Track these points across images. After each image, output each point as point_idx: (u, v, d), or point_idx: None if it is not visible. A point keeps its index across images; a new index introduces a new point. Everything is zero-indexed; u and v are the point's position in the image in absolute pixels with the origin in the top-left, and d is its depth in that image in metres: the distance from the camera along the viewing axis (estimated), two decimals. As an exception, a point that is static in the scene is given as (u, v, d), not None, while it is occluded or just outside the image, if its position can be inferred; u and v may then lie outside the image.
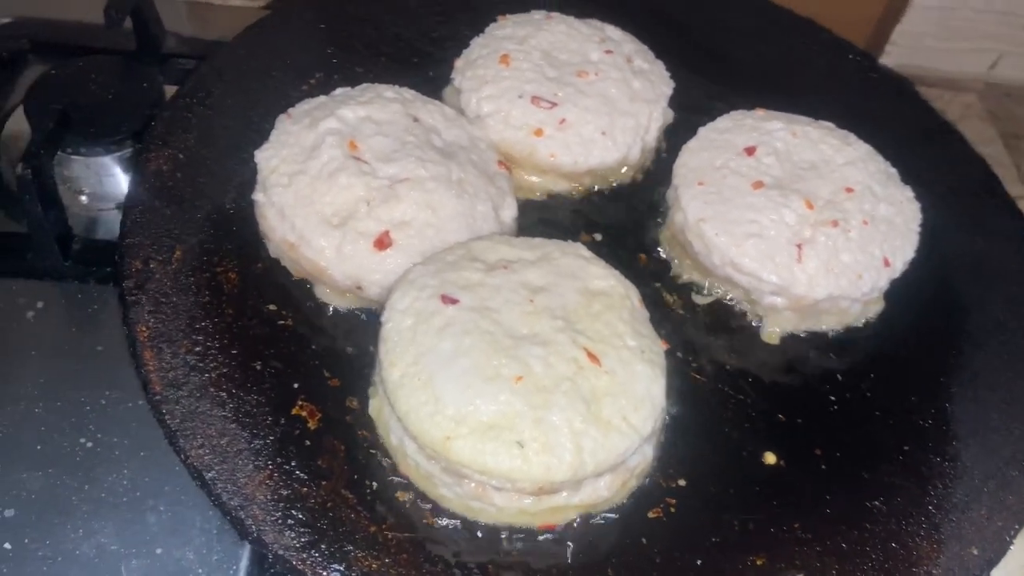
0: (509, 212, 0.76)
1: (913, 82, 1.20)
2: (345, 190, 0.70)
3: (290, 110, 0.76)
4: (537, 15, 0.89)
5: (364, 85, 0.79)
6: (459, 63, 0.85)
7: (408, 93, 0.79)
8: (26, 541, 0.68)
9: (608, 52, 0.86)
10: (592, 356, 0.62)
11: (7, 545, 0.67)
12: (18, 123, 0.93)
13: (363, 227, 0.69)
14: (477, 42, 0.86)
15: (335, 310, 0.72)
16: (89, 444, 0.74)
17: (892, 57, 1.25)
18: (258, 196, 0.73)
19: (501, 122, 0.80)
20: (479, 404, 0.59)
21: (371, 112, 0.75)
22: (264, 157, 0.73)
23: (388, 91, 0.78)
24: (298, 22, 0.90)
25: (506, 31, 0.86)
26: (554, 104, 0.81)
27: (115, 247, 0.83)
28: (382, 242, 0.69)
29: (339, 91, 0.79)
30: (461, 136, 0.78)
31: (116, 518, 0.70)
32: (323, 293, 0.72)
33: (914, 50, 1.24)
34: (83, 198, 0.89)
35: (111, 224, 0.89)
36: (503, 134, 0.80)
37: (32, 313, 0.81)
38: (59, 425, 0.75)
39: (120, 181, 0.90)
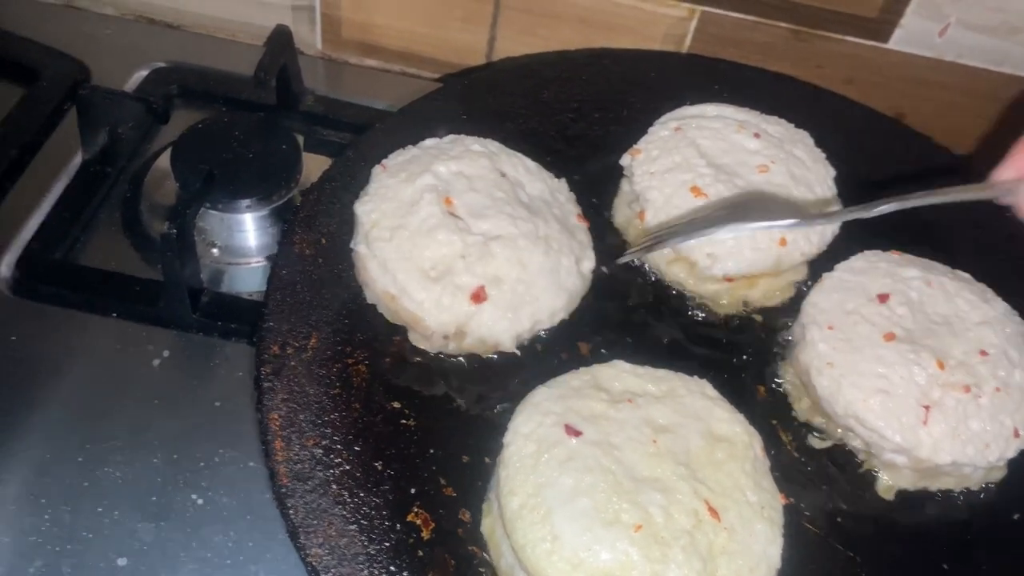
0: (588, 264, 0.80)
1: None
2: (444, 246, 0.74)
3: (384, 162, 0.80)
4: (664, 132, 0.87)
5: (451, 137, 0.83)
6: (650, 215, 0.81)
7: (493, 146, 0.83)
8: (134, 593, 0.71)
9: (756, 136, 0.86)
10: (712, 510, 0.62)
11: (118, 593, 0.69)
12: (163, 162, 0.97)
13: (460, 281, 0.73)
14: (644, 184, 0.83)
15: (456, 414, 0.73)
16: (200, 501, 0.77)
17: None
18: (360, 248, 0.77)
19: (748, 250, 0.79)
20: (597, 550, 0.59)
21: (462, 167, 0.79)
22: (364, 210, 0.77)
23: (475, 144, 0.83)
24: (440, 112, 0.91)
25: (661, 163, 0.84)
26: None
27: (240, 303, 0.87)
28: (478, 296, 0.73)
29: (429, 142, 0.83)
30: (544, 190, 0.82)
31: (219, 580, 0.73)
32: (416, 339, 0.76)
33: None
34: (215, 251, 0.93)
35: (237, 278, 0.93)
36: (752, 259, 0.80)
37: (158, 361, 0.85)
38: (174, 478, 0.78)
39: (250, 237, 0.94)
